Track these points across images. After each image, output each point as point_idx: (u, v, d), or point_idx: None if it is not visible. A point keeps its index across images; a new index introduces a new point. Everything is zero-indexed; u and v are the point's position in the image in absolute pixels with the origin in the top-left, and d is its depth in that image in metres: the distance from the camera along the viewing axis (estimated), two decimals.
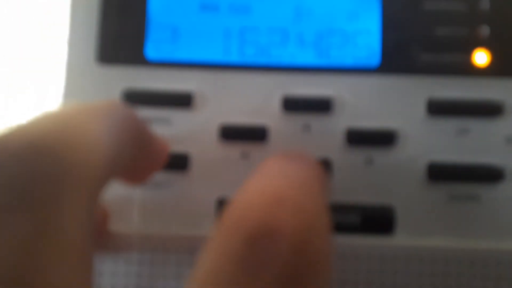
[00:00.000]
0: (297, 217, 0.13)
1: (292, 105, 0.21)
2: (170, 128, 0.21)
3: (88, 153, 0.13)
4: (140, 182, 0.19)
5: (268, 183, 0.14)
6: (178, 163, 0.20)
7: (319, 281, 0.13)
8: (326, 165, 0.20)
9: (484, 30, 0.21)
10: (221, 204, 0.20)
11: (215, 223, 0.13)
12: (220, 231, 0.13)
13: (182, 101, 0.21)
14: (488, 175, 0.20)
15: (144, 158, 0.18)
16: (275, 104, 0.21)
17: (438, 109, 0.20)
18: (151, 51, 0.21)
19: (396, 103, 0.21)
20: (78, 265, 0.12)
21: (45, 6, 0.31)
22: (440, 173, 0.20)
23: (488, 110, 0.20)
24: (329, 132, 0.21)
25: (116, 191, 0.20)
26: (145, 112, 0.21)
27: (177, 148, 0.21)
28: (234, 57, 0.21)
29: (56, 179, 0.12)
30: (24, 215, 0.11)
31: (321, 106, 0.21)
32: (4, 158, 0.12)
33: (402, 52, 0.21)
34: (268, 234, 0.12)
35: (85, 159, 0.13)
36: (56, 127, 0.13)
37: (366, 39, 0.21)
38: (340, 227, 0.20)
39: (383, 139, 0.20)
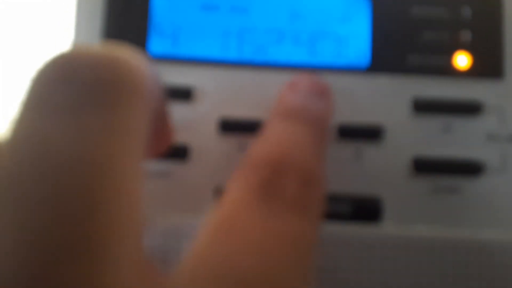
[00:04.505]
0: (305, 158, 0.17)
1: None
2: (171, 120, 0.22)
3: (143, 82, 0.14)
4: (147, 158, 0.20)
5: (280, 135, 0.18)
6: (178, 153, 0.21)
7: (319, 213, 0.16)
8: None
9: (466, 35, 0.22)
10: (219, 192, 0.21)
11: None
12: (243, 167, 0.16)
13: (183, 94, 0.22)
14: (469, 169, 0.21)
15: (159, 131, 0.19)
16: (270, 99, 0.22)
17: (423, 107, 0.22)
18: (154, 47, 0.23)
19: (384, 101, 0.22)
20: (139, 165, 0.13)
21: (45, 6, 0.31)
22: (425, 166, 0.21)
23: (469, 108, 0.22)
24: None
25: None
26: None
27: (177, 139, 0.21)
28: (232, 55, 0.23)
29: (127, 88, 0.13)
30: (101, 111, 0.13)
31: None
32: (82, 61, 0.13)
33: (390, 54, 0.22)
34: (284, 169, 0.16)
35: (144, 82, 0.14)
36: (120, 52, 0.14)
37: (357, 41, 0.22)
38: (332, 216, 0.21)
39: (371, 134, 0.22)
